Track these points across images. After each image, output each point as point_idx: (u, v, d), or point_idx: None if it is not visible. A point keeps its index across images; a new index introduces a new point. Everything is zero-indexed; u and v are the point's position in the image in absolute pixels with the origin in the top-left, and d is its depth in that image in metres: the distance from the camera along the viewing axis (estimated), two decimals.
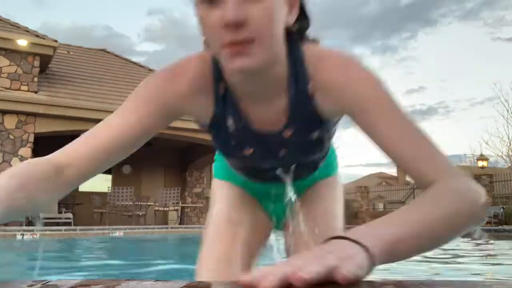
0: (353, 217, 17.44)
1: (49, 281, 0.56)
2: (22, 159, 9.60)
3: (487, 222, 11.14)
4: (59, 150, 0.87)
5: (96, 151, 0.86)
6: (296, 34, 0.83)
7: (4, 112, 9.59)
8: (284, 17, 0.75)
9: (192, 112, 0.91)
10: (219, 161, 1.21)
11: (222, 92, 0.85)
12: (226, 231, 1.09)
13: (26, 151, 9.69)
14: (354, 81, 0.77)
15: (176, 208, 11.77)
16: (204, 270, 1.04)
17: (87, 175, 0.86)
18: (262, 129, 0.88)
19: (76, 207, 12.22)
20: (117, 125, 0.88)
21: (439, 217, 0.69)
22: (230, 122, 0.88)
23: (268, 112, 0.86)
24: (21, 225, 8.42)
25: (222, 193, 1.19)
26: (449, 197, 0.74)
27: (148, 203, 11.58)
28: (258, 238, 1.15)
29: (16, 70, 10.16)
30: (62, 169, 0.82)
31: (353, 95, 0.77)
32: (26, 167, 0.81)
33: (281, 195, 1.07)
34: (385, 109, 0.77)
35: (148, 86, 0.88)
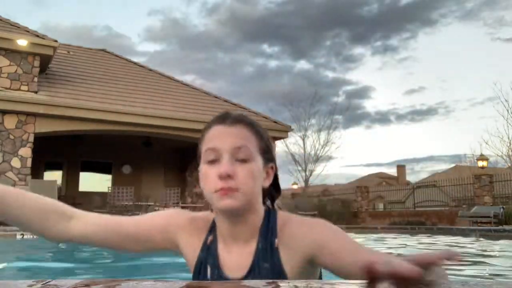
0: (353, 217, 17.44)
1: (49, 281, 0.56)
2: (22, 159, 9.61)
3: (487, 222, 11.14)
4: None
5: (105, 227, 1.09)
6: (269, 198, 1.09)
7: (4, 112, 9.59)
8: (261, 180, 1.02)
9: (183, 247, 1.09)
10: None
11: (209, 242, 1.06)
12: None
13: (26, 151, 9.69)
14: (313, 232, 0.99)
15: (176, 208, 11.77)
16: None
17: (87, 237, 1.08)
18: (230, 275, 1.02)
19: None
20: (133, 226, 1.10)
21: None
22: (208, 270, 1.05)
23: (239, 256, 1.03)
24: None
25: None
26: None
27: (148, 203, 11.58)
28: None
29: (16, 70, 10.17)
30: (72, 217, 1.08)
31: (312, 242, 0.98)
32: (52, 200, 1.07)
33: None
34: (340, 245, 0.97)
35: (165, 213, 1.15)
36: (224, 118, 1.02)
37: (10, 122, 9.63)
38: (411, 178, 42.09)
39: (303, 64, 60.06)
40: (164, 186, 13.26)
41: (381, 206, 23.89)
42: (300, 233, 1.00)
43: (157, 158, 14.69)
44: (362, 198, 17.84)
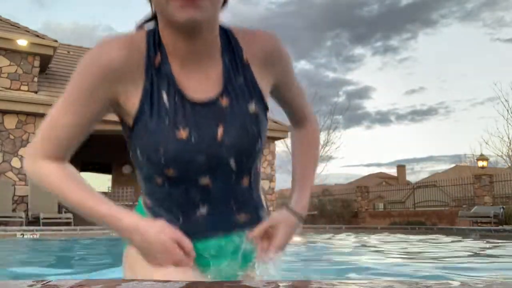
0: (353, 217, 17.45)
1: (49, 281, 0.56)
2: (22, 159, 9.59)
3: (487, 222, 11.14)
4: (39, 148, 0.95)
5: (60, 142, 0.91)
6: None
7: (4, 112, 9.59)
8: None
9: (123, 88, 0.86)
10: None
11: (157, 63, 0.86)
12: None
13: (26, 151, 9.69)
14: (278, 47, 0.96)
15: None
16: None
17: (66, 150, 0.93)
18: (197, 98, 0.86)
19: None
20: (68, 120, 0.90)
21: (317, 156, 1.18)
22: (164, 96, 0.85)
23: (203, 80, 0.87)
24: (21, 225, 8.42)
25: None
26: (317, 137, 1.17)
27: None
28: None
29: (16, 70, 10.17)
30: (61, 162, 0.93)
31: (278, 57, 0.96)
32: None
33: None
34: (291, 71, 1.02)
35: (84, 59, 0.88)
36: None
37: (10, 122, 9.63)
38: (411, 178, 42.10)
39: (303, 64, 60.07)
40: None
41: (381, 206, 23.88)
42: (264, 42, 0.94)
43: None
44: (362, 198, 17.84)
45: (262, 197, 1.03)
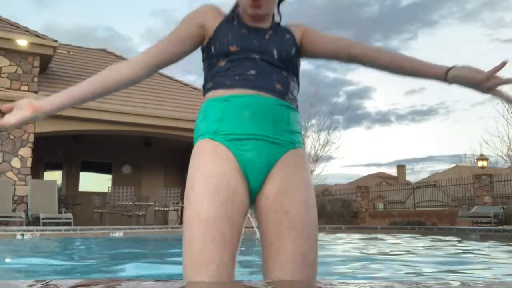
0: (353, 217, 17.44)
1: (49, 281, 0.56)
2: (22, 159, 9.61)
3: (487, 222, 11.14)
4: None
5: (148, 64, 1.33)
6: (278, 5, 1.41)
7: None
8: None
9: (209, 21, 1.34)
10: (203, 118, 1.30)
11: (234, 16, 1.35)
12: (204, 233, 1.11)
13: (26, 151, 9.69)
14: (304, 25, 1.43)
15: (176, 208, 11.77)
16: (189, 273, 1.12)
17: (141, 75, 1.34)
18: (254, 25, 1.34)
19: (76, 207, 12.22)
20: (170, 35, 1.36)
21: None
22: (235, 22, 1.34)
23: (259, 25, 1.35)
24: (21, 225, 8.42)
25: (198, 175, 1.19)
26: (395, 52, 1.43)
27: (148, 203, 11.58)
28: (235, 230, 1.14)
29: (16, 70, 10.17)
30: (121, 72, 1.33)
31: (301, 26, 1.43)
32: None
33: (269, 120, 1.23)
34: (319, 30, 1.43)
35: (189, 15, 1.38)
36: None
37: None
38: (411, 178, 42.14)
39: (304, 65, 59.86)
40: (164, 186, 13.26)
41: (381, 206, 23.90)
42: (297, 23, 1.43)
43: (157, 158, 14.69)
44: (362, 198, 17.84)
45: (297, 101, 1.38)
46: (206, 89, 1.32)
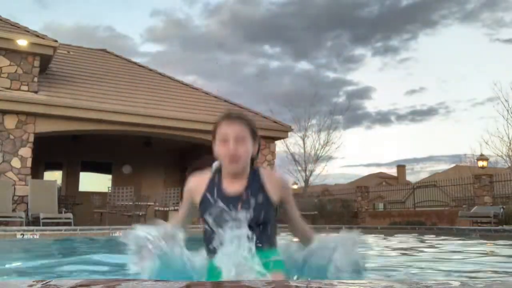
0: (353, 217, 17.43)
1: (49, 281, 0.56)
2: (22, 159, 9.61)
3: (487, 222, 11.14)
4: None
5: (181, 220, 1.93)
6: (255, 157, 1.84)
7: (4, 112, 9.59)
8: (251, 151, 1.77)
9: (198, 194, 1.81)
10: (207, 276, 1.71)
11: (216, 179, 1.79)
12: None
13: (26, 151, 9.69)
14: (285, 182, 1.85)
15: (176, 208, 11.76)
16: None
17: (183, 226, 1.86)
18: (230, 193, 1.74)
19: (76, 207, 12.22)
20: (181, 211, 1.96)
21: None
22: (215, 191, 1.74)
23: (237, 185, 1.75)
24: (21, 225, 8.42)
25: None
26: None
27: (148, 203, 11.58)
28: None
29: (16, 70, 10.16)
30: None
31: (283, 186, 1.82)
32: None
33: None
34: (293, 201, 1.86)
35: (185, 189, 1.92)
36: (229, 116, 1.76)
37: (10, 122, 9.62)
38: (411, 178, 42.05)
39: (304, 65, 59.79)
40: (164, 186, 13.26)
41: (381, 206, 23.89)
42: (279, 181, 1.80)
43: (157, 158, 14.69)
44: (362, 198, 17.83)
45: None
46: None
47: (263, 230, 1.69)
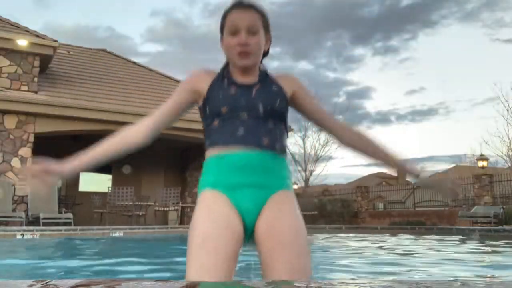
0: (353, 217, 17.43)
1: (49, 281, 0.56)
2: (22, 159, 9.61)
3: (487, 222, 11.13)
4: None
5: (156, 125, 1.65)
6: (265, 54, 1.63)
7: (4, 112, 9.59)
8: (263, 46, 1.55)
9: (204, 82, 1.55)
10: (205, 173, 1.54)
11: (225, 73, 1.57)
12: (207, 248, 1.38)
13: (26, 151, 9.69)
14: (294, 76, 1.65)
15: (176, 208, 11.77)
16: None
17: (152, 134, 1.64)
18: (241, 82, 1.54)
19: (76, 207, 12.22)
20: (168, 102, 1.65)
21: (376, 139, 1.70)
22: (225, 81, 1.55)
23: (248, 75, 1.56)
24: (21, 225, 8.42)
25: (202, 213, 1.44)
26: (364, 132, 1.66)
27: (148, 203, 11.58)
28: (230, 249, 1.38)
29: (16, 70, 10.16)
30: (133, 137, 1.66)
31: (294, 79, 1.63)
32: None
33: (257, 171, 1.45)
34: (309, 92, 1.65)
35: (186, 78, 1.65)
36: (241, 3, 1.53)
37: (10, 122, 9.63)
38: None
39: (304, 65, 59.80)
40: (164, 186, 13.26)
41: (381, 206, 23.88)
42: (289, 76, 1.64)
43: (157, 158, 14.68)
44: (362, 198, 17.83)
45: (287, 150, 1.60)
46: (206, 146, 1.56)
47: (278, 124, 1.53)
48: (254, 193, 1.43)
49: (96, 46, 16.22)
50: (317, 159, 27.21)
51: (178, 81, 14.88)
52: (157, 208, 11.73)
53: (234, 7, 1.53)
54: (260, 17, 1.53)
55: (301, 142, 27.18)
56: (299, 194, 23.78)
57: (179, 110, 1.62)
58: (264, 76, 1.58)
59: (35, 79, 10.32)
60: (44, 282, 0.57)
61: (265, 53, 1.61)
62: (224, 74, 1.56)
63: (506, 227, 9.78)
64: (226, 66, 1.58)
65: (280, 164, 1.51)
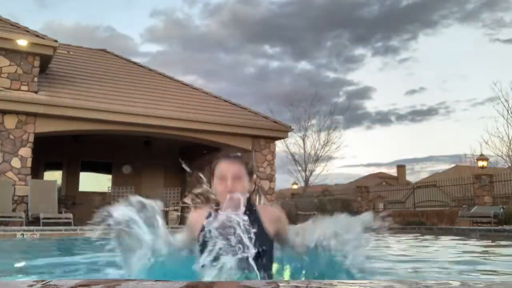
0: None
1: (49, 281, 0.56)
2: (22, 159, 9.61)
3: (487, 222, 11.13)
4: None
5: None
6: (251, 194, 1.96)
7: (4, 112, 9.59)
8: (248, 188, 1.91)
9: (197, 225, 1.95)
10: None
11: (213, 214, 1.88)
12: None
13: (26, 151, 9.69)
14: (279, 213, 2.01)
15: (176, 208, 11.77)
16: None
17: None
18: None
19: (76, 207, 12.22)
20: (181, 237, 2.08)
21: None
22: (213, 222, 1.81)
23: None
24: (21, 225, 8.42)
25: None
26: None
27: None
28: None
29: (16, 70, 10.16)
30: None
31: (277, 217, 1.98)
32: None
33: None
34: (287, 230, 2.03)
35: (187, 222, 2.12)
36: (228, 156, 1.93)
37: (10, 122, 9.63)
38: (411, 178, 41.99)
39: (304, 65, 59.61)
40: (164, 186, 13.26)
41: (381, 206, 23.87)
42: (270, 211, 1.98)
43: (157, 158, 14.69)
44: (362, 198, 17.85)
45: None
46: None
47: (258, 259, 1.77)
48: None
49: (96, 46, 16.22)
50: (317, 159, 27.22)
51: (178, 81, 14.90)
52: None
53: (222, 158, 1.93)
54: (245, 166, 1.90)
55: (301, 142, 27.18)
56: (299, 194, 23.79)
57: (189, 244, 2.08)
58: (250, 214, 1.84)
59: (35, 79, 10.32)
60: (44, 282, 0.57)
61: (251, 194, 1.96)
62: (213, 214, 1.87)
63: (506, 227, 9.78)
64: (215, 208, 1.92)
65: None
